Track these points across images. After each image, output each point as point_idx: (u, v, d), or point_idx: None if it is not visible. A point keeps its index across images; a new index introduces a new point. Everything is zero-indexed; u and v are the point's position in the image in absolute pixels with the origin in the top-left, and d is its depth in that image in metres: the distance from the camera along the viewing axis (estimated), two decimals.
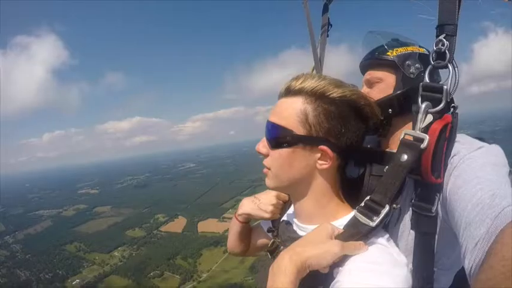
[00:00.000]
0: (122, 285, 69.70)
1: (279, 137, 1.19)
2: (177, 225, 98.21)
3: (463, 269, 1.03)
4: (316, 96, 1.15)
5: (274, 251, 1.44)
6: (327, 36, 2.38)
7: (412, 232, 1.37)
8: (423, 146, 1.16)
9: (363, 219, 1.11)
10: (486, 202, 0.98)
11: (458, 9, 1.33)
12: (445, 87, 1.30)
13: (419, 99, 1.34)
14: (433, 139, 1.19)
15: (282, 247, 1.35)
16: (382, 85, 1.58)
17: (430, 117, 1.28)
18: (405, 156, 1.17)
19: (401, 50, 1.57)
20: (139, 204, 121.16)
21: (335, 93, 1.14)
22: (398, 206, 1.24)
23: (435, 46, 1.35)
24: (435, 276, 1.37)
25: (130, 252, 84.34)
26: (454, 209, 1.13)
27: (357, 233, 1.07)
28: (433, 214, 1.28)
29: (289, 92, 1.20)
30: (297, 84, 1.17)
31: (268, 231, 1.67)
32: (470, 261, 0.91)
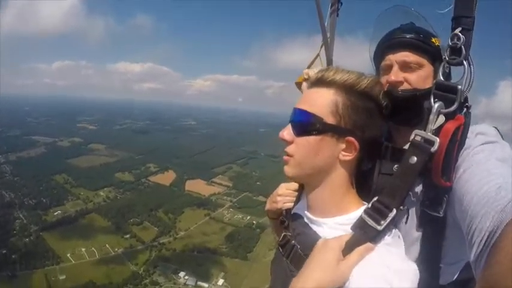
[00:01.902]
0: (100, 225, 71.59)
1: (309, 124, 1.21)
2: (166, 178, 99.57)
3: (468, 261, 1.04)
4: (346, 89, 1.19)
5: (284, 246, 1.38)
6: (337, 15, 2.25)
7: (420, 229, 1.39)
8: (433, 149, 1.15)
9: (370, 221, 1.11)
10: (492, 195, 0.97)
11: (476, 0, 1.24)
12: (459, 87, 1.25)
13: (432, 98, 1.28)
14: (444, 142, 1.17)
15: (293, 241, 1.33)
16: (422, 72, 1.49)
17: (442, 118, 1.24)
18: (415, 159, 1.16)
19: (438, 42, 1.50)
20: (134, 149, 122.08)
21: (363, 86, 1.19)
22: (405, 207, 1.24)
23: (450, 41, 1.28)
24: (441, 271, 1.40)
25: (115, 195, 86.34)
26: (460, 202, 1.13)
27: (364, 237, 1.09)
28: (441, 215, 1.29)
29: (321, 82, 1.24)
30: (330, 76, 1.21)
31: (281, 222, 1.62)
32: (475, 254, 0.91)
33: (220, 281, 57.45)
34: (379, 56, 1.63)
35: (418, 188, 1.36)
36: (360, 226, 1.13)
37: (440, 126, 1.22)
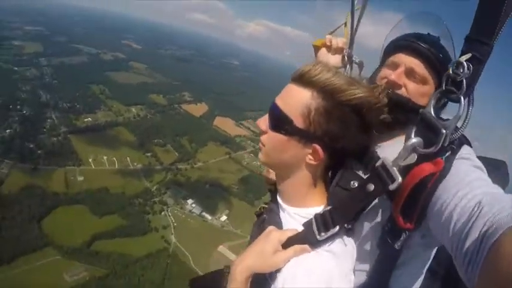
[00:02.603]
0: (126, 139, 73.89)
1: (280, 122, 1.21)
2: (198, 109, 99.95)
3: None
4: (324, 94, 1.14)
5: (259, 216, 1.53)
6: None
7: (377, 248, 1.33)
8: (392, 187, 1.06)
9: (314, 227, 1.15)
10: (474, 212, 0.93)
11: (502, 23, 1.00)
12: (443, 131, 1.08)
13: (413, 131, 1.17)
14: (409, 185, 1.11)
15: (265, 215, 1.44)
16: (423, 89, 1.40)
17: (413, 157, 1.12)
18: (372, 187, 1.10)
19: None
20: (173, 75, 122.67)
21: (343, 96, 1.12)
22: (350, 226, 1.18)
23: (452, 69, 1.10)
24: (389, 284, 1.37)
25: (146, 114, 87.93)
26: (438, 215, 1.09)
27: (305, 240, 1.14)
28: (397, 248, 1.25)
29: (302, 80, 1.18)
30: (312, 75, 1.15)
31: (269, 191, 1.81)
32: (468, 272, 0.89)
33: (223, 218, 58.73)
34: (390, 49, 1.55)
35: (387, 210, 1.29)
36: (307, 226, 1.17)
37: (412, 166, 1.12)
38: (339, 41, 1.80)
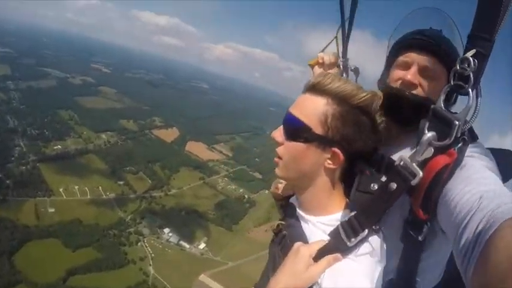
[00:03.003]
0: (97, 167, 72.68)
1: (298, 131, 1.24)
2: (169, 134, 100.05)
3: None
4: (339, 100, 1.20)
5: (278, 234, 1.47)
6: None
7: (401, 244, 1.37)
8: (414, 182, 1.11)
9: (343, 235, 1.16)
10: (475, 205, 0.96)
11: (501, 20, 1.07)
12: (456, 123, 1.13)
13: (427, 125, 1.19)
14: (427, 178, 1.14)
15: (284, 231, 1.41)
16: (437, 85, 1.39)
17: (430, 151, 1.16)
18: (394, 186, 1.14)
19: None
20: (143, 99, 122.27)
21: (355, 100, 1.19)
22: (377, 227, 1.22)
23: (459, 64, 1.15)
24: (417, 285, 1.41)
25: (116, 140, 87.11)
26: (445, 210, 1.11)
27: (336, 249, 1.15)
28: (420, 240, 1.28)
29: (315, 89, 1.24)
30: (325, 84, 1.21)
31: (281, 207, 1.77)
32: (463, 264, 0.91)
33: (202, 245, 58.88)
34: (399, 48, 1.55)
35: (407, 204, 1.32)
36: (334, 235, 1.19)
37: (429, 159, 1.16)
38: (331, 57, 1.90)
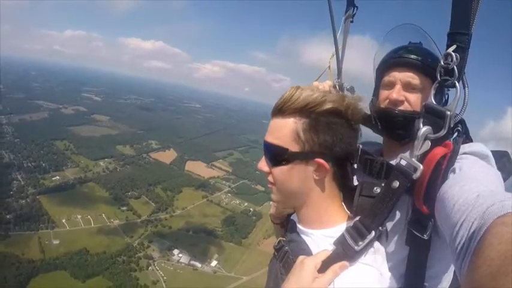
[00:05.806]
0: (98, 195, 71.08)
1: (276, 155, 1.27)
2: (167, 156, 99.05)
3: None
4: (306, 112, 1.21)
5: (279, 250, 1.46)
6: (351, 21, 2.15)
7: (406, 247, 1.38)
8: (415, 176, 1.17)
9: (349, 241, 1.17)
10: (471, 203, 0.97)
11: (474, 15, 1.19)
12: (448, 113, 1.22)
13: (421, 121, 1.27)
14: (428, 171, 1.18)
15: (286, 247, 1.41)
16: (423, 95, 1.48)
17: (428, 144, 1.23)
18: (397, 183, 1.19)
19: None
20: (137, 124, 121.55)
21: (319, 106, 1.20)
22: (385, 228, 1.25)
23: (443, 61, 1.26)
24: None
25: (115, 167, 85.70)
26: (443, 210, 1.13)
27: (343, 255, 1.15)
28: (426, 238, 1.29)
29: (281, 111, 1.25)
30: (287, 105, 1.23)
31: (281, 225, 1.81)
32: (458, 260, 0.92)
33: (214, 263, 57.45)
34: (383, 70, 1.63)
35: (407, 205, 1.36)
36: (340, 242, 1.19)
37: (427, 153, 1.21)
38: (325, 85, 1.94)
